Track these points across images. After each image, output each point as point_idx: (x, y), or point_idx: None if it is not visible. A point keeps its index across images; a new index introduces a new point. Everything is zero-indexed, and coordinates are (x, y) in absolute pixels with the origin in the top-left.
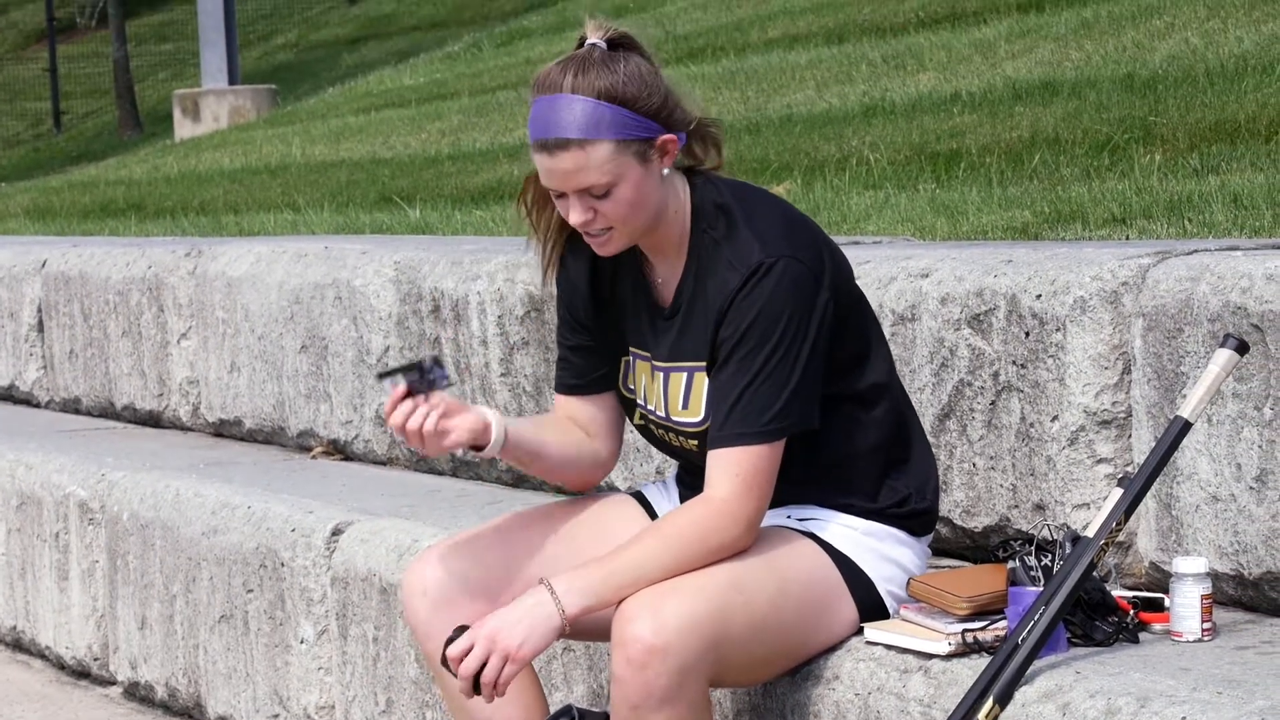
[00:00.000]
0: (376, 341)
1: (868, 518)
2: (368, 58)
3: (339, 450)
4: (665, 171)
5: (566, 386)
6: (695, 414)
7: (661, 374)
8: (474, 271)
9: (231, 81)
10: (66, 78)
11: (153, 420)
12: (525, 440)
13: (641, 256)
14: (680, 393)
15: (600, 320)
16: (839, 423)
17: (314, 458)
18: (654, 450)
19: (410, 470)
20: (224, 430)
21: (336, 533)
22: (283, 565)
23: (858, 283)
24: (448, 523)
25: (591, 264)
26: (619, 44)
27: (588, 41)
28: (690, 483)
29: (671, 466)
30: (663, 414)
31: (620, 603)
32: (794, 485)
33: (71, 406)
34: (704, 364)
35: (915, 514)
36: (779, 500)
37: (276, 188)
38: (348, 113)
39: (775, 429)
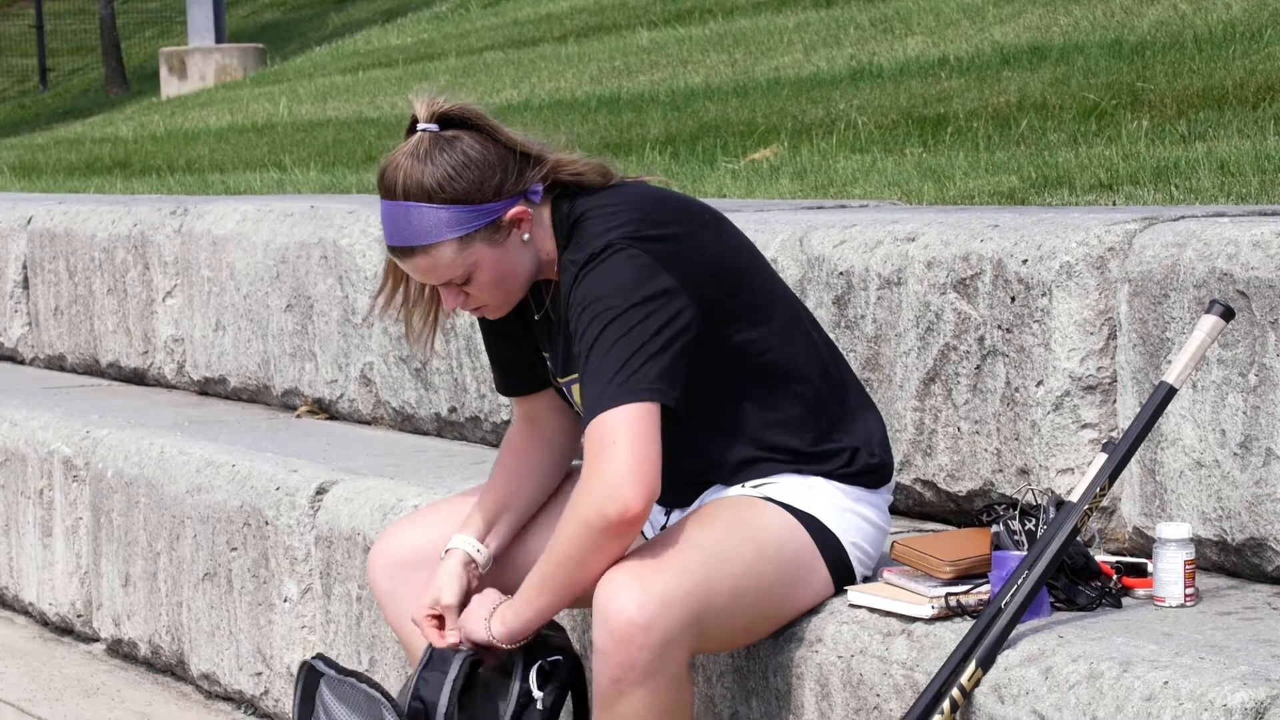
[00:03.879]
0: (362, 301)
1: (821, 475)
2: (355, 17)
3: (324, 409)
4: (525, 237)
5: (512, 386)
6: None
7: (566, 389)
8: None
9: (218, 40)
10: (53, 34)
11: (137, 378)
12: (505, 533)
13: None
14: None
15: (517, 324)
16: (756, 394)
17: (299, 417)
18: None
19: (395, 430)
20: (209, 388)
21: (321, 492)
22: (266, 524)
23: (846, 247)
24: (432, 483)
25: None
26: (450, 120)
27: (418, 127)
28: None
29: None
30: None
31: (603, 574)
32: (739, 465)
33: (56, 364)
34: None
35: (869, 469)
36: (731, 477)
37: (263, 146)
38: (335, 72)
39: (627, 391)
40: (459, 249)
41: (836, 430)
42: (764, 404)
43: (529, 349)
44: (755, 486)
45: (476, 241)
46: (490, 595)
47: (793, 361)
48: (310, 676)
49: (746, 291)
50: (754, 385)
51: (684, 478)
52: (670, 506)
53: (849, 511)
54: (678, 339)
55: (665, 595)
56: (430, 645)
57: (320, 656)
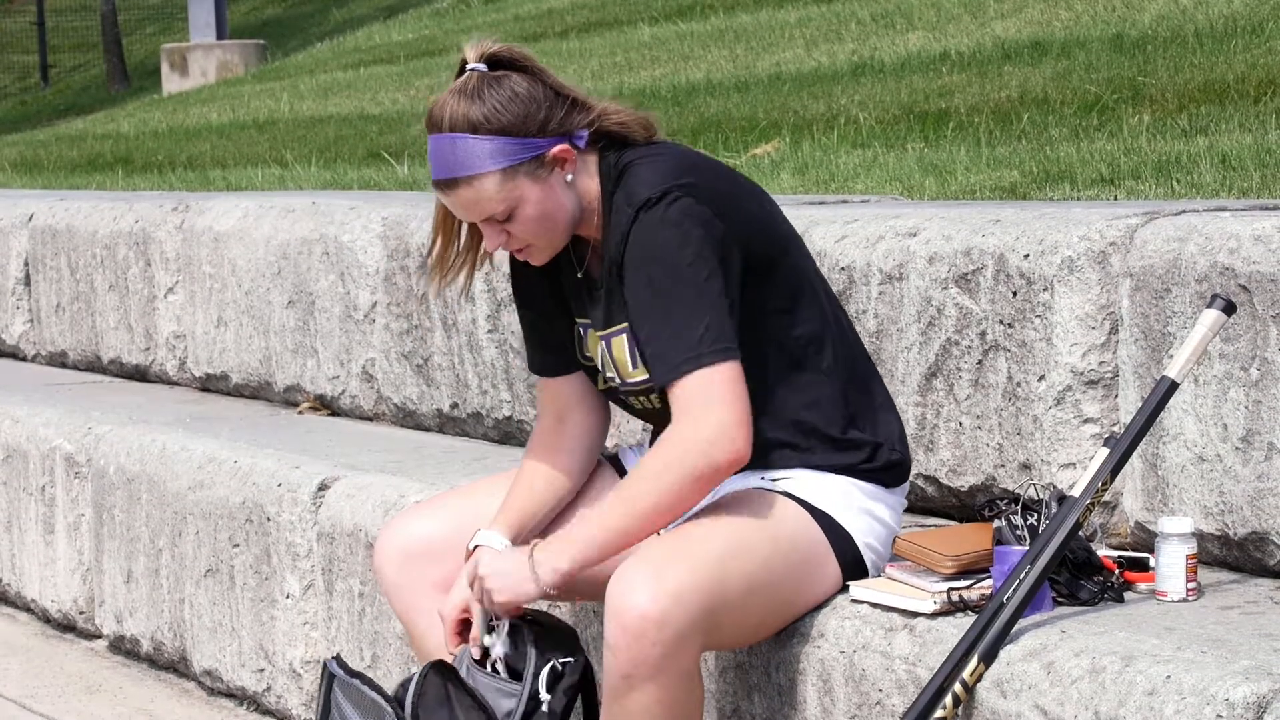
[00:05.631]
0: (364, 297)
1: (839, 474)
2: (356, 13)
3: (326, 405)
4: (569, 178)
5: (546, 366)
6: (645, 371)
7: (604, 342)
8: None
9: (220, 36)
10: (54, 31)
11: (139, 374)
12: (533, 534)
13: (574, 238)
14: (626, 355)
15: (551, 296)
16: (785, 372)
17: (300, 413)
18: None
19: (397, 426)
20: (210, 385)
21: (323, 488)
22: (269, 520)
23: (848, 242)
24: (434, 478)
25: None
26: (499, 62)
27: (467, 67)
28: None
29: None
30: (618, 379)
31: (616, 568)
32: (762, 447)
33: (58, 360)
34: (628, 324)
35: (889, 466)
36: (752, 462)
37: (264, 143)
38: (336, 68)
39: (717, 350)
40: (502, 181)
41: (861, 420)
42: (792, 384)
43: (563, 327)
44: (774, 480)
45: (520, 175)
46: (508, 554)
47: (823, 344)
48: (329, 678)
49: (784, 264)
50: (784, 363)
51: None
52: None
53: (865, 513)
54: (736, 295)
55: (678, 589)
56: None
57: (337, 657)
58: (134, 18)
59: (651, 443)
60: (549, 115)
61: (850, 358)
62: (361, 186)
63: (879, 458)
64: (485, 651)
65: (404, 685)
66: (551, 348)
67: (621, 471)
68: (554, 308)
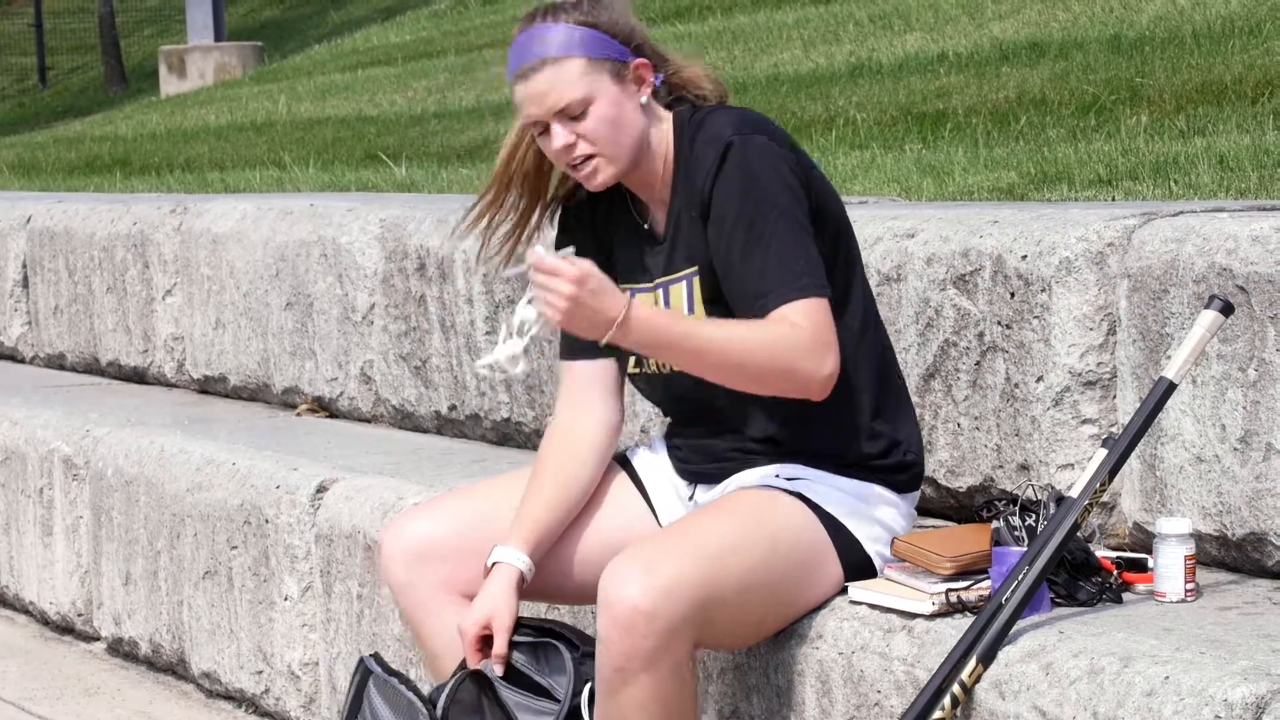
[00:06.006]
0: (362, 299)
1: (855, 472)
2: (354, 15)
3: (324, 407)
4: (644, 100)
5: (574, 349)
6: (700, 318)
7: (660, 291)
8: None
9: (217, 38)
10: (52, 33)
11: (137, 376)
12: (549, 544)
13: (630, 199)
14: (684, 303)
15: (601, 263)
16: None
17: (299, 415)
18: (640, 408)
19: (395, 428)
20: (209, 387)
21: (321, 490)
22: (267, 522)
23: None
24: (432, 480)
25: (590, 210)
26: None
27: None
28: (683, 435)
29: (658, 427)
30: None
31: (609, 562)
32: (783, 427)
33: (56, 362)
34: (697, 267)
35: (903, 466)
36: (766, 455)
37: (262, 145)
38: (334, 70)
39: (814, 285)
40: (586, 68)
41: (883, 416)
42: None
43: None
44: (789, 480)
45: (603, 70)
46: (609, 296)
47: (867, 328)
48: (364, 674)
49: (843, 241)
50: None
51: (719, 452)
52: (697, 481)
53: (875, 521)
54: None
55: (670, 583)
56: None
57: (375, 655)
58: (132, 20)
59: (668, 439)
60: (637, 37)
61: (886, 353)
62: (359, 188)
63: (894, 455)
64: (509, 668)
65: (438, 689)
66: None
67: (632, 473)
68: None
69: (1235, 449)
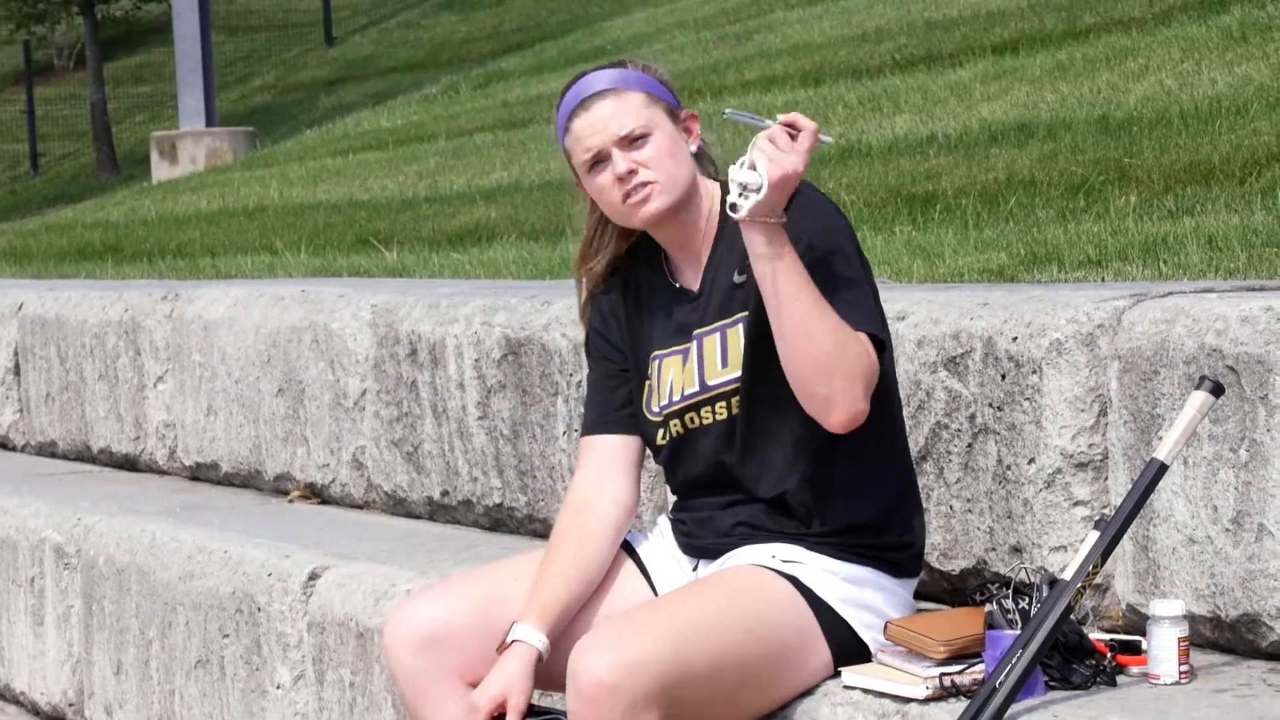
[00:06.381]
0: (353, 385)
1: (855, 554)
2: (345, 100)
3: (316, 494)
4: (692, 149)
5: (599, 424)
6: (735, 369)
7: (695, 344)
8: (451, 315)
9: (209, 123)
10: (44, 120)
11: (129, 464)
12: (564, 616)
13: (665, 262)
14: (717, 353)
15: (631, 338)
16: (859, 429)
17: (291, 501)
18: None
19: (387, 514)
20: (200, 474)
21: (313, 577)
22: (259, 610)
23: None
24: (425, 567)
25: (622, 283)
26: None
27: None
28: (690, 510)
29: (650, 512)
30: (696, 388)
31: (579, 638)
32: (797, 488)
33: (48, 450)
34: (735, 317)
35: (903, 546)
36: (769, 533)
37: (254, 230)
38: (325, 155)
39: (882, 329)
40: (646, 102)
41: (897, 497)
42: (863, 441)
43: (631, 386)
44: (784, 562)
45: (660, 107)
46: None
47: (894, 408)
48: None
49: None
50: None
51: (725, 526)
52: (700, 557)
53: (868, 607)
54: None
55: (636, 658)
56: None
57: None
58: (124, 106)
59: (675, 522)
60: (682, 102)
61: (902, 431)
62: (351, 273)
63: (897, 536)
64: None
65: None
66: (613, 405)
67: (635, 557)
68: (627, 360)
69: (1227, 530)
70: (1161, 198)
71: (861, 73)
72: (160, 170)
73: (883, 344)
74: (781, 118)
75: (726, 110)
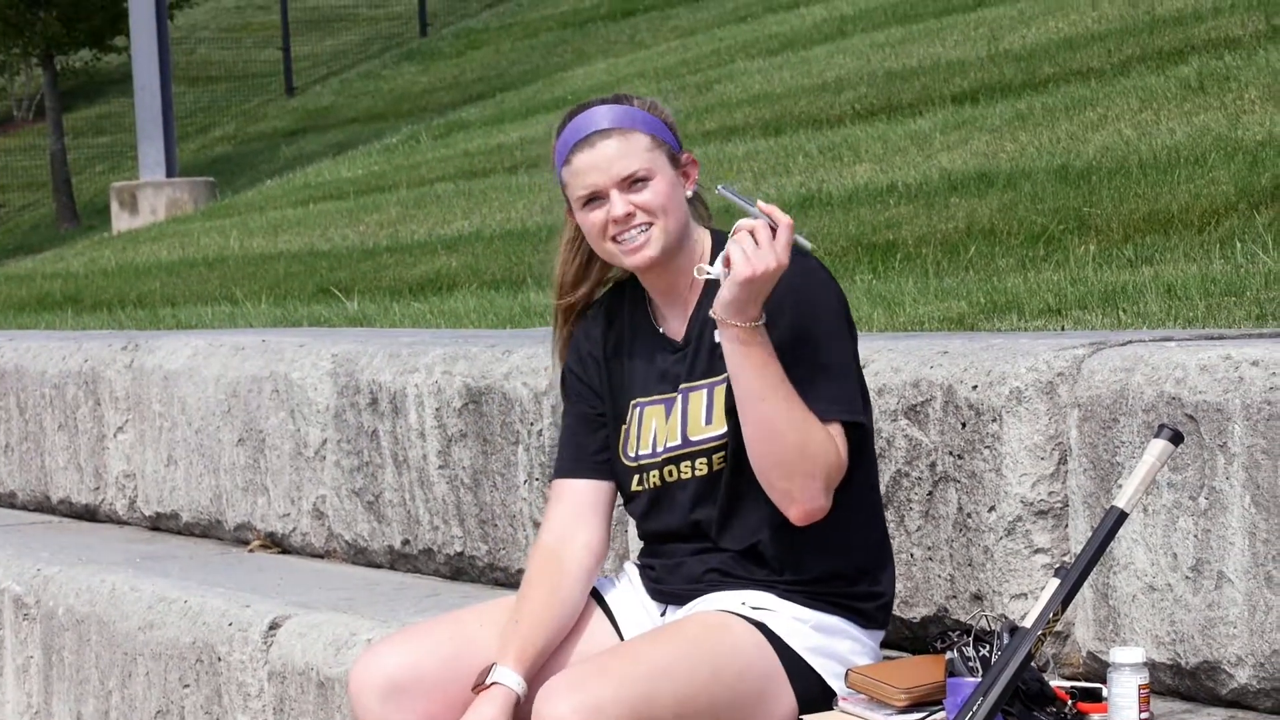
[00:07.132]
0: (314, 434)
1: (825, 602)
2: (306, 150)
3: (276, 543)
4: (689, 193)
5: (574, 468)
6: (719, 427)
7: (680, 397)
8: (412, 364)
9: (169, 174)
10: (3, 170)
11: (89, 514)
12: (539, 659)
13: (649, 305)
14: (702, 410)
15: (610, 382)
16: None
17: (251, 551)
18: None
19: (348, 563)
20: (161, 524)
21: (274, 626)
22: (219, 660)
23: None
24: (386, 616)
25: (604, 323)
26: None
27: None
28: (660, 556)
29: (611, 563)
30: (677, 442)
31: (544, 682)
32: (770, 539)
33: (6, 501)
34: (722, 376)
35: (872, 596)
36: (739, 580)
37: (214, 280)
38: (286, 205)
39: (858, 411)
40: (650, 145)
41: (870, 549)
42: (842, 504)
43: (606, 430)
44: (754, 609)
45: (663, 152)
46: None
47: (871, 460)
48: None
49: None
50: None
51: (695, 573)
52: (668, 602)
53: (833, 656)
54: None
55: (598, 703)
56: None
57: None
58: (83, 156)
59: (643, 570)
60: (683, 146)
61: (877, 490)
62: (311, 323)
63: (866, 586)
64: None
65: None
66: (589, 450)
67: (604, 606)
68: (603, 405)
69: (1187, 577)
70: (1121, 247)
71: (822, 122)
72: (120, 220)
73: (860, 426)
74: (761, 206)
75: (719, 187)
